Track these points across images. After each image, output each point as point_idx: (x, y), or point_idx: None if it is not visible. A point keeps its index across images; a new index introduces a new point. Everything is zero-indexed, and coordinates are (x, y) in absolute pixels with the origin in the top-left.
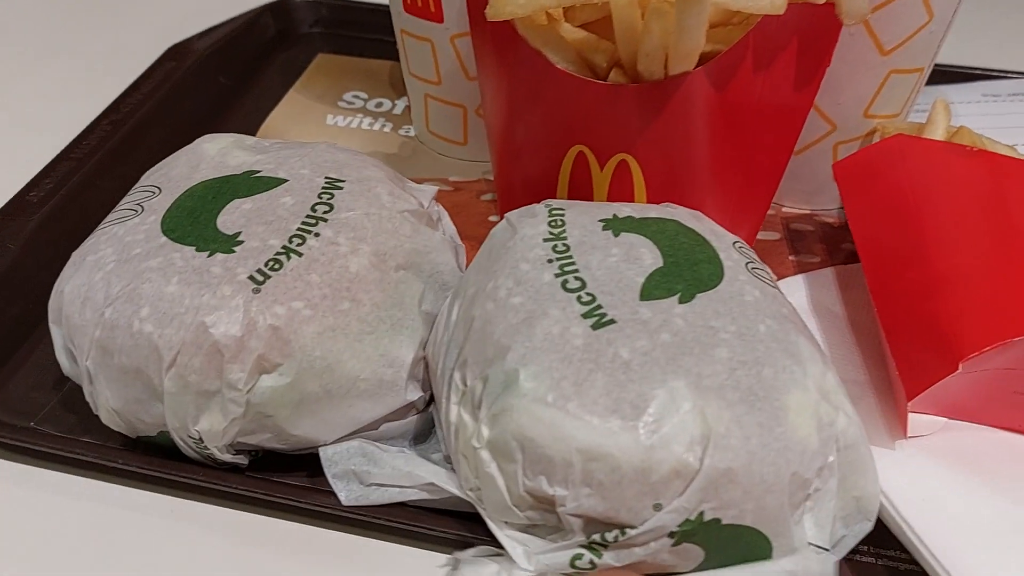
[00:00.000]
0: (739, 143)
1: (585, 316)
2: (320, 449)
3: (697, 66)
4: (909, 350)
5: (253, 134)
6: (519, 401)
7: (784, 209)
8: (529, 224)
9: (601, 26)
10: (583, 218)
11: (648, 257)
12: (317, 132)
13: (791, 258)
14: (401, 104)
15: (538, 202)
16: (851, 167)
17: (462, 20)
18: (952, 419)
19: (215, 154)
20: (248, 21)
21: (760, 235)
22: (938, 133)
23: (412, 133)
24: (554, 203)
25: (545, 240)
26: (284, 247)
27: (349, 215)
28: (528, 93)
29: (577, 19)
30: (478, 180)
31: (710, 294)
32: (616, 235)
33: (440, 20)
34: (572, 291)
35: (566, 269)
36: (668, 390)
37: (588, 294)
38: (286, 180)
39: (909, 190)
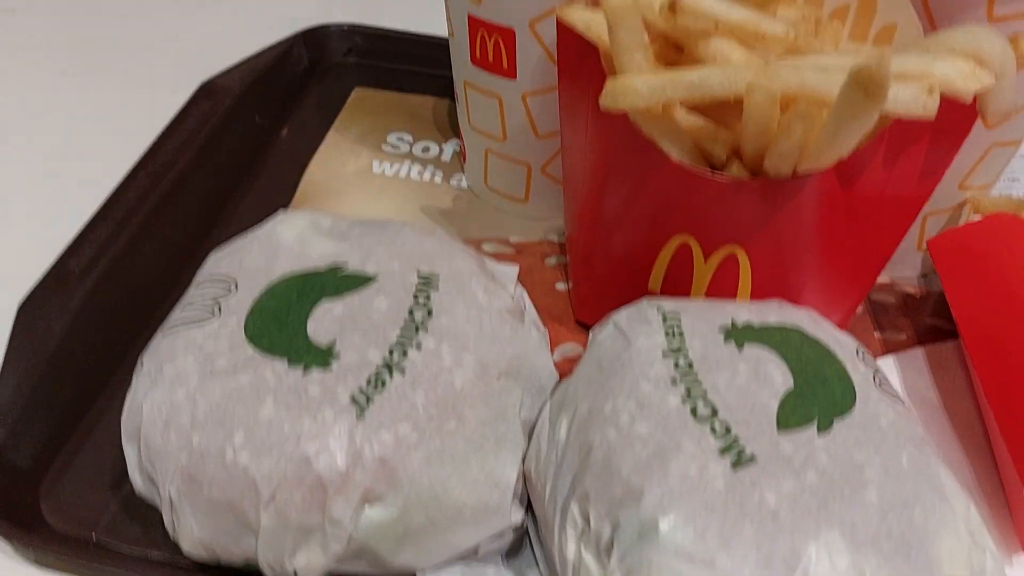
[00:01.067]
0: (853, 234)
1: (723, 452)
2: (418, 574)
3: None
4: None
5: (297, 180)
6: (661, 557)
7: None
8: (643, 333)
9: (720, 112)
10: (701, 325)
11: (778, 375)
12: (366, 184)
13: (876, 335)
14: (449, 149)
15: (624, 283)
16: (948, 245)
17: (537, 78)
18: None
19: (293, 242)
20: (281, 52)
21: None
22: None
23: (465, 184)
24: (664, 306)
25: (665, 355)
26: (385, 361)
27: (449, 322)
28: (633, 178)
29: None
30: (540, 242)
31: (847, 420)
32: (740, 348)
33: (513, 76)
34: (703, 419)
35: (693, 392)
36: (822, 544)
37: (722, 423)
38: (375, 277)
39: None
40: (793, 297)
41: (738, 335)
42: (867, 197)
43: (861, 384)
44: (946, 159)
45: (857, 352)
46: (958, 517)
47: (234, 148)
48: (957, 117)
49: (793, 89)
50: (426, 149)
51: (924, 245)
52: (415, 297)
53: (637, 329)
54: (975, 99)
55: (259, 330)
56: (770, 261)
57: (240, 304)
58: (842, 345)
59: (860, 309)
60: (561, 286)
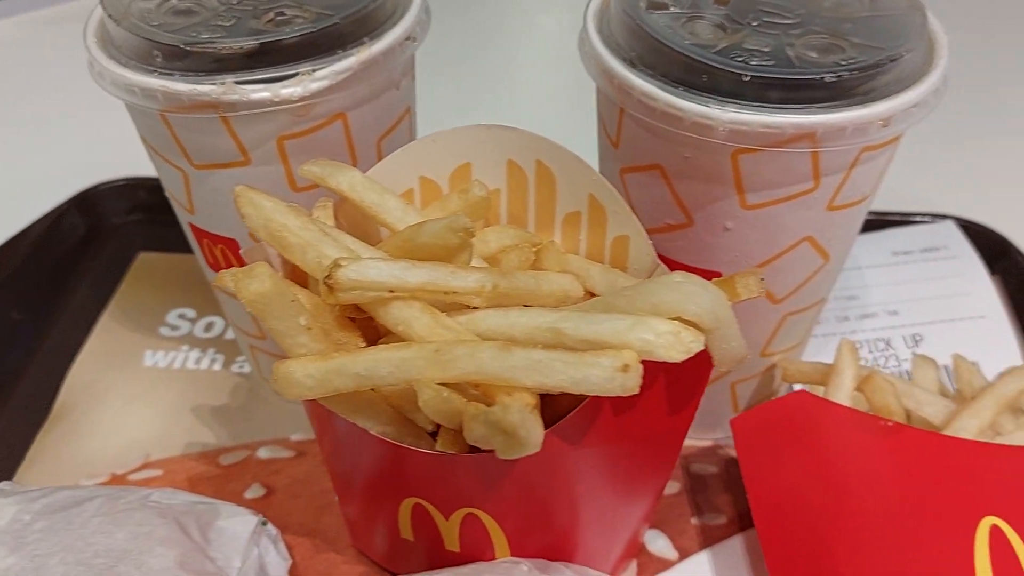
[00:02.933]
0: (609, 474)
1: None
2: None
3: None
4: None
5: (56, 391)
6: None
7: (685, 443)
8: None
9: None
10: None
11: None
12: (132, 381)
13: (693, 521)
14: None
15: (380, 527)
16: (750, 427)
17: None
18: None
19: None
20: (48, 225)
21: None
22: (846, 385)
23: (247, 369)
24: None
25: None
26: None
27: None
28: (345, 448)
29: None
30: None
31: None
32: None
33: None
34: None
35: None
36: None
37: None
38: None
39: (819, 483)
40: (555, 539)
41: None
42: (607, 445)
43: None
44: (694, 395)
45: None
46: None
47: None
48: (691, 365)
49: (470, 376)
50: (209, 327)
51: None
52: None
53: None
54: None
55: None
56: (514, 517)
57: None
58: None
59: (677, 488)
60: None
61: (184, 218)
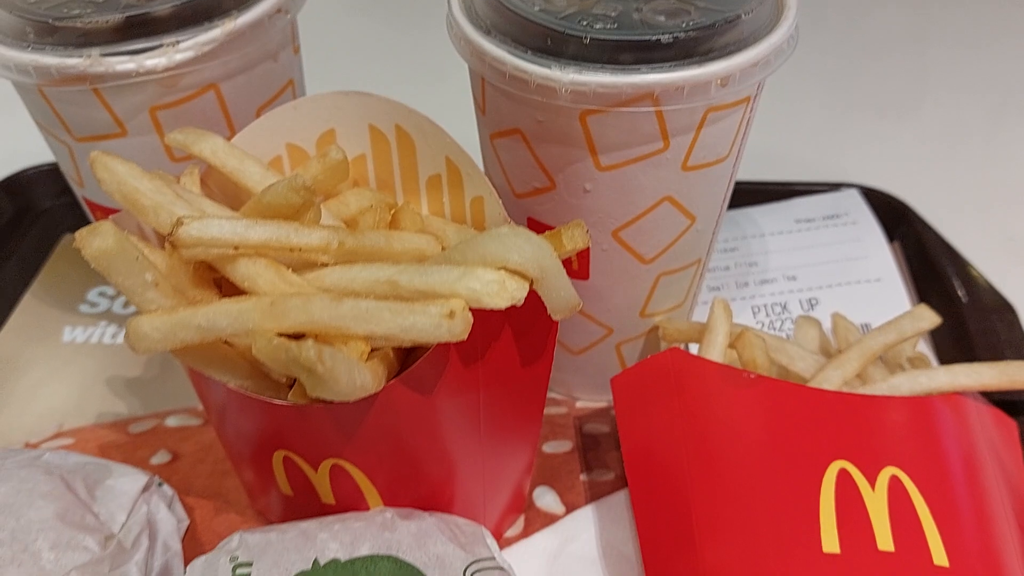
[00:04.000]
0: (471, 425)
1: None
2: None
3: (396, 361)
4: None
5: None
6: None
7: (578, 404)
8: None
9: None
10: (274, 573)
11: None
12: (51, 355)
13: (582, 477)
14: None
15: (262, 484)
16: (626, 384)
17: None
18: None
19: None
20: None
21: (550, 447)
22: (719, 341)
23: None
24: (244, 549)
25: None
26: None
27: None
28: (212, 400)
29: None
30: None
31: None
32: None
33: None
34: None
35: None
36: None
37: None
38: None
39: (683, 433)
40: (428, 491)
41: None
42: (462, 392)
43: None
44: (545, 345)
45: (466, 571)
46: None
47: None
48: (531, 313)
49: (303, 326)
50: (128, 303)
51: None
52: None
53: None
54: (537, 297)
55: None
56: (379, 466)
57: None
58: (446, 567)
59: (569, 446)
60: None
61: (78, 192)
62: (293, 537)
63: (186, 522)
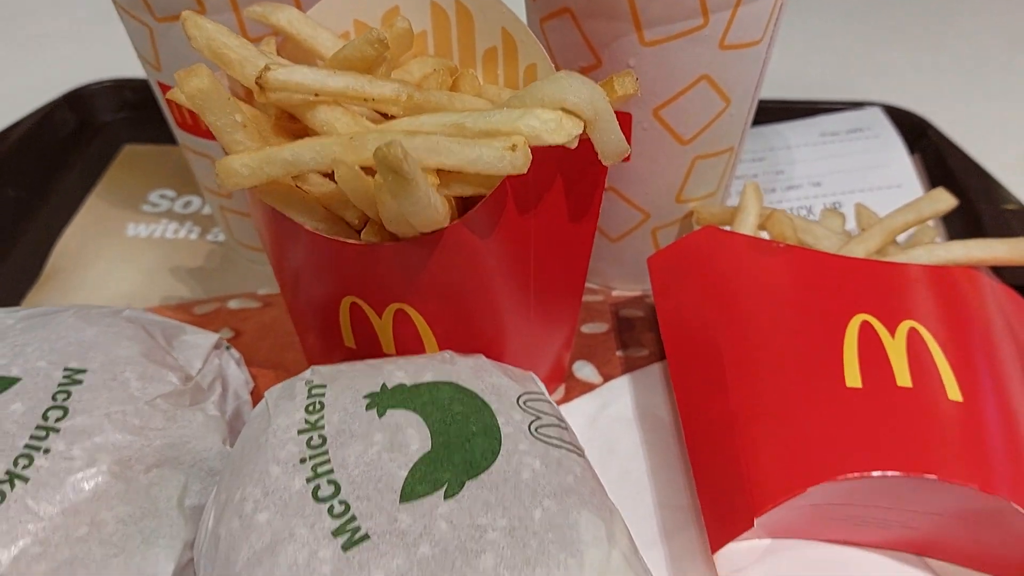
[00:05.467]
0: (521, 276)
1: (336, 533)
2: None
3: (459, 212)
4: (712, 492)
5: (47, 257)
6: None
7: (614, 293)
8: (285, 410)
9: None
10: (346, 396)
11: (415, 440)
12: (116, 248)
13: (619, 353)
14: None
15: (326, 340)
16: (663, 263)
17: None
18: (777, 538)
19: None
20: (42, 117)
21: (588, 328)
22: (750, 220)
23: (221, 238)
24: (317, 376)
25: (300, 432)
26: (8, 472)
27: (85, 420)
28: (287, 244)
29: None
30: None
31: (482, 479)
32: (381, 414)
33: (214, 138)
34: (323, 500)
35: (319, 471)
36: None
37: (341, 502)
38: (19, 379)
39: (716, 296)
40: (482, 341)
41: (383, 401)
42: (517, 242)
43: (511, 435)
44: (593, 197)
45: (519, 400)
46: (586, 570)
47: None
48: (583, 162)
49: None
50: (187, 204)
51: None
52: (54, 397)
53: (281, 406)
54: (589, 144)
55: None
56: (439, 312)
57: None
58: (501, 395)
59: (606, 327)
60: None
61: (153, 77)
62: (362, 368)
63: (252, 384)
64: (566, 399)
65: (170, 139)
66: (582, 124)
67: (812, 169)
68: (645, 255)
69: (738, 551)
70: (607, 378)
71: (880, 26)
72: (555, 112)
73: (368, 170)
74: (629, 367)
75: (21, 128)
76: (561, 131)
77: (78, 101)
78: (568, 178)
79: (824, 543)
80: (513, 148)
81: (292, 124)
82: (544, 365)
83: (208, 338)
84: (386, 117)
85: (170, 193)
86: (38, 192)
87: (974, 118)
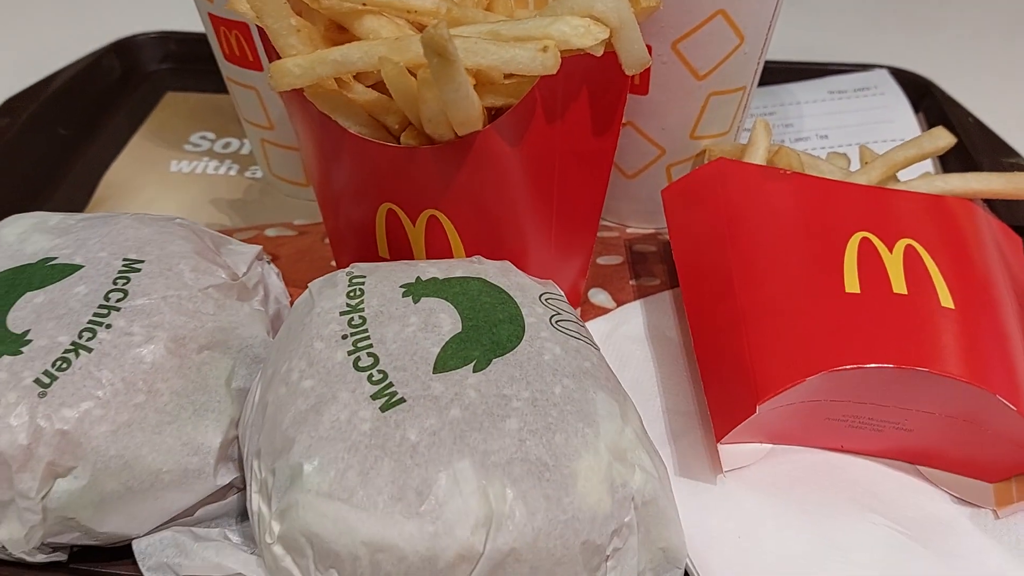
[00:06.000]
0: (546, 189)
1: (375, 397)
2: (133, 542)
3: (489, 122)
4: (719, 387)
5: (93, 189)
6: (304, 496)
7: (628, 231)
8: (328, 296)
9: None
10: (384, 285)
11: (447, 323)
12: (160, 181)
13: (632, 282)
14: (249, 143)
15: (363, 254)
16: (676, 193)
17: None
18: (777, 444)
19: (14, 240)
20: (90, 64)
21: (603, 259)
22: (759, 154)
23: (259, 175)
24: (357, 269)
25: (342, 313)
26: (73, 343)
27: (144, 301)
28: (330, 152)
29: (367, 79)
30: (322, 223)
31: (507, 357)
32: (416, 301)
33: (260, 68)
34: (363, 369)
35: (359, 345)
36: (452, 472)
37: (380, 371)
38: (82, 266)
39: (725, 218)
40: (506, 252)
41: (417, 289)
42: (542, 153)
43: (534, 325)
44: (615, 113)
45: (541, 297)
46: (601, 438)
47: (33, 161)
48: (607, 71)
49: (424, 59)
50: (227, 145)
51: None
52: (115, 282)
53: (324, 293)
54: (613, 56)
55: None
56: (468, 219)
57: None
58: (525, 291)
59: (620, 259)
60: (335, 263)
61: (204, 8)
62: (398, 264)
63: (289, 298)
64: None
65: (210, 87)
66: (608, 31)
67: (819, 123)
68: (658, 192)
69: (740, 452)
70: (620, 303)
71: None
72: (583, 19)
73: (411, 73)
74: (641, 294)
75: (71, 71)
76: (588, 35)
77: (125, 50)
78: (592, 89)
79: (821, 450)
80: (544, 50)
81: (339, 35)
82: (564, 286)
83: (252, 248)
84: None
85: (210, 135)
86: (86, 131)
87: (977, 82)
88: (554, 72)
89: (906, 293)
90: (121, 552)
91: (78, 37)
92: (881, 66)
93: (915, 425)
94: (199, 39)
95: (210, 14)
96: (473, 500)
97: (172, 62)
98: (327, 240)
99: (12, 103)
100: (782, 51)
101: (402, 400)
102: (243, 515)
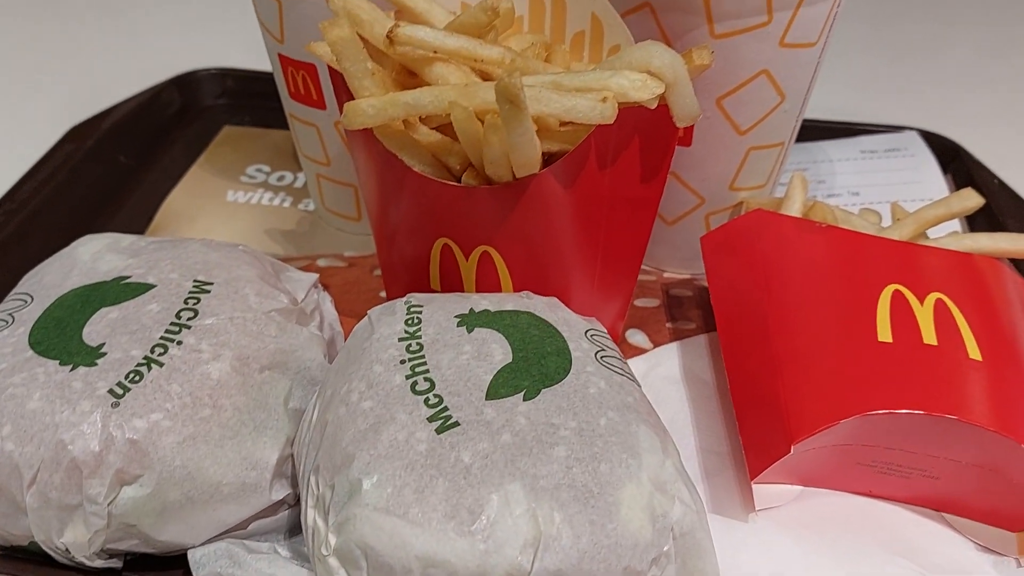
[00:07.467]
0: (593, 232)
1: (431, 419)
2: (188, 552)
3: (544, 166)
4: (753, 428)
5: (152, 216)
6: (362, 510)
7: (665, 275)
8: (386, 323)
9: (454, 129)
10: (440, 314)
11: (499, 353)
12: (217, 210)
13: (668, 325)
14: (303, 177)
15: (415, 287)
16: (715, 241)
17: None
18: (808, 486)
19: (88, 259)
20: (152, 96)
21: (640, 302)
22: (795, 208)
23: (312, 207)
24: (415, 299)
25: (400, 339)
26: (146, 357)
27: (212, 321)
28: (392, 188)
29: (433, 121)
30: (371, 255)
31: (555, 388)
32: (470, 331)
33: (323, 107)
34: (420, 393)
35: (417, 370)
36: (503, 494)
37: (436, 395)
38: (154, 286)
39: (762, 267)
40: (551, 290)
41: (471, 320)
42: (592, 197)
43: (580, 359)
44: (663, 162)
45: (587, 333)
46: (644, 469)
47: (94, 187)
48: (658, 123)
49: (489, 105)
50: (281, 178)
51: None
52: (186, 302)
53: (383, 320)
54: (665, 109)
55: (40, 336)
56: (519, 257)
57: (31, 315)
58: (571, 326)
59: (657, 303)
60: (383, 294)
61: (274, 49)
62: (452, 296)
63: (341, 325)
64: None
65: (266, 123)
66: (663, 85)
67: (851, 180)
68: (696, 240)
69: (772, 492)
70: (657, 345)
71: (921, 60)
72: (641, 74)
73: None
74: (677, 337)
75: (133, 103)
76: (646, 89)
77: (185, 84)
78: (643, 139)
79: (850, 494)
80: (604, 100)
81: (409, 79)
82: (603, 324)
83: (309, 276)
84: (490, 79)
85: (265, 168)
86: (145, 161)
87: (1005, 146)
88: (611, 121)
89: (936, 344)
90: (174, 562)
91: (140, 71)
92: (911, 128)
93: (942, 473)
94: (256, 76)
95: (279, 54)
96: (523, 521)
97: (229, 98)
98: (377, 272)
99: (77, 131)
100: (817, 110)
101: (456, 423)
102: (293, 531)
